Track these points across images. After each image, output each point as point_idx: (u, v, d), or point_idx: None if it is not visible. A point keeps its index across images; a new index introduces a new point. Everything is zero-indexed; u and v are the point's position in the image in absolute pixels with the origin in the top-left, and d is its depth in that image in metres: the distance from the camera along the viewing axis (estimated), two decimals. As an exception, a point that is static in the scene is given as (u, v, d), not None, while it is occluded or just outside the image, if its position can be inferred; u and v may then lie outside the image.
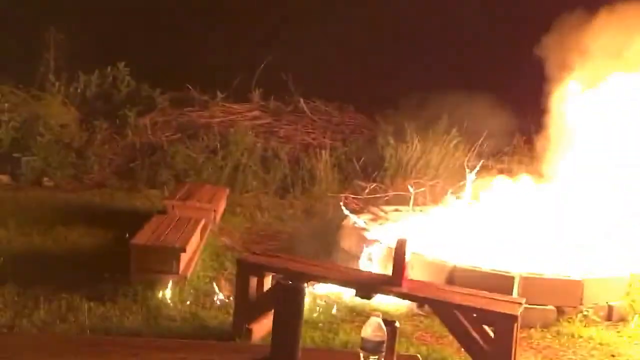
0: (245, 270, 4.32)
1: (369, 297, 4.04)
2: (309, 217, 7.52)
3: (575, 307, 4.93)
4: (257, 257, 4.45)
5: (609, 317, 4.93)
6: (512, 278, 4.95)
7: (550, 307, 4.89)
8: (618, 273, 5.17)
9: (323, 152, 8.77)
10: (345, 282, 4.11)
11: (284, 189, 8.36)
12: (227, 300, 4.92)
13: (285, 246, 6.37)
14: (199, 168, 8.36)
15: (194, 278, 5.18)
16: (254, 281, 4.35)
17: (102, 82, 9.40)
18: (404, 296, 4.00)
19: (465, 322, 3.72)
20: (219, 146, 8.65)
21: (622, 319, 4.92)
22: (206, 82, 9.79)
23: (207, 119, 9.33)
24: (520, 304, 3.76)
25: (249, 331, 4.26)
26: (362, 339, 2.04)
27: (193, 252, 5.35)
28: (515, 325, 3.63)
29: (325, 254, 5.93)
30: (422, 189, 6.90)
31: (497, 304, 3.76)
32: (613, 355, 4.42)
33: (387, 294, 4.01)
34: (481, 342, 3.69)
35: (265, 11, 10.90)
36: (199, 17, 10.68)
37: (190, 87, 9.83)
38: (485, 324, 3.75)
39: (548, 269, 5.17)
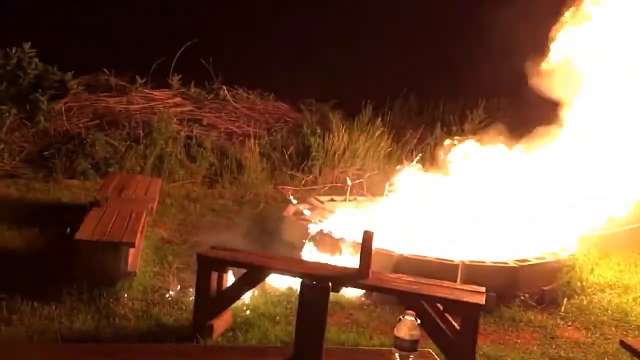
0: (206, 265, 4.20)
1: (337, 291, 4.06)
2: (241, 207, 7.41)
3: (512, 292, 5.23)
4: (218, 252, 4.33)
5: (542, 301, 5.28)
6: (456, 265, 5.18)
7: (491, 293, 5.16)
8: (549, 259, 5.55)
9: (249, 140, 8.67)
10: (312, 276, 4.11)
11: (211, 179, 8.18)
12: (176, 296, 4.77)
13: (224, 238, 6.25)
14: (120, 157, 7.97)
15: (139, 274, 4.95)
16: (214, 276, 4.24)
17: (5, 64, 8.65)
18: (372, 288, 4.07)
19: (432, 313, 3.85)
20: (141, 134, 8.28)
21: (554, 303, 5.29)
22: (122, 66, 9.31)
23: (125, 105, 8.89)
24: (482, 293, 3.94)
25: (211, 328, 4.16)
26: (397, 337, 2.06)
27: (137, 247, 5.11)
28: (480, 314, 3.81)
29: (266, 245, 5.89)
30: (360, 180, 7.00)
31: (462, 293, 3.93)
32: (552, 337, 4.75)
33: (355, 287, 4.06)
34: (447, 331, 3.84)
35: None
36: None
37: (105, 71, 9.30)
38: (450, 314, 3.90)
39: (486, 256, 5.46)
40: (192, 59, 10.10)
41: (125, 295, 4.58)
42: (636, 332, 4.94)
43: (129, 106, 8.84)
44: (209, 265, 4.20)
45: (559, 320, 5.04)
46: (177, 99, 9.36)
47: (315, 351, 2.24)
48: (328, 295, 2.26)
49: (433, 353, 2.41)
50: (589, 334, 4.85)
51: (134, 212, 5.33)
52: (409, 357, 2.06)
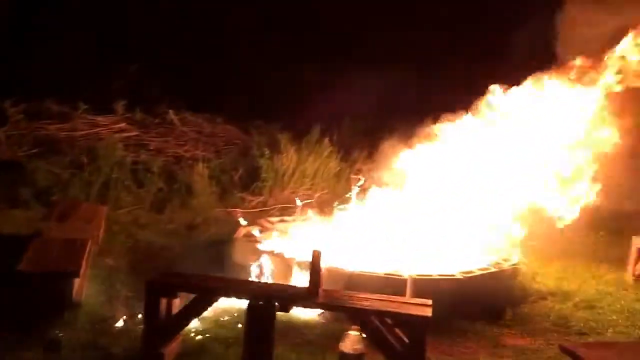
0: (155, 291, 4.16)
1: (286, 310, 4.09)
2: (191, 231, 7.36)
3: (460, 304, 5.36)
4: (166, 277, 4.31)
5: (488, 311, 5.43)
6: (405, 280, 5.29)
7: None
8: (493, 270, 5.73)
9: (197, 164, 8.64)
10: (261, 297, 4.12)
11: (160, 204, 8.10)
12: (125, 325, 4.71)
13: (174, 263, 6.20)
14: (64, 185, 7.82)
15: (86, 304, 4.87)
16: (163, 302, 4.21)
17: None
18: (322, 306, 4.12)
19: (382, 327, 3.93)
20: (85, 161, 8.15)
21: (500, 312, 5.45)
22: (64, 92, 9.17)
23: (68, 132, 8.75)
24: (429, 306, 4.04)
25: (161, 356, 4.12)
26: (342, 353, 2.11)
27: (82, 276, 5.02)
28: (427, 326, 3.91)
29: (218, 269, 5.88)
30: (310, 200, 7.07)
31: (410, 307, 4.02)
32: (498, 346, 4.90)
33: (305, 306, 4.10)
34: (397, 345, 3.92)
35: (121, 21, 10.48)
36: (53, 21, 10.00)
37: (46, 99, 9.12)
38: (399, 327, 3.99)
39: (434, 270, 5.60)
40: (137, 84, 10.08)
41: (72, 326, 4.48)
42: (577, 337, 5.14)
43: (72, 133, 8.70)
44: (158, 291, 4.17)
45: (504, 329, 5.20)
46: (122, 124, 9.27)
47: (263, 371, 2.28)
48: (274, 314, 2.30)
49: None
50: (533, 341, 5.02)
51: (79, 240, 5.25)
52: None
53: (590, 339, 5.06)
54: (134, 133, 9.24)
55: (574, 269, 6.81)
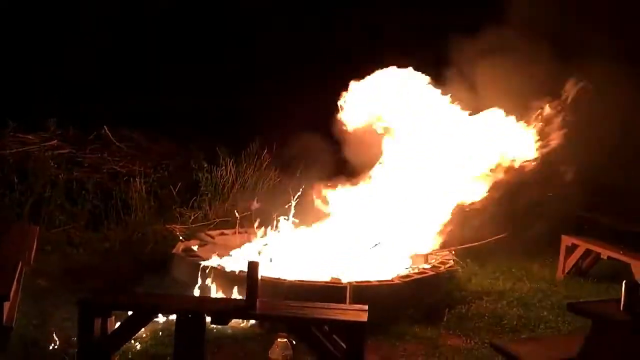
0: (89, 311, 4.06)
1: (225, 323, 4.08)
2: (129, 248, 7.21)
3: (399, 308, 5.48)
4: (99, 296, 4.21)
5: (426, 314, 5.56)
6: (344, 287, 5.36)
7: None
8: (430, 274, 5.87)
9: (134, 180, 8.48)
10: (201, 311, 4.09)
11: (96, 222, 7.90)
12: (60, 348, 4.57)
13: (111, 282, 6.07)
14: (-7, 205, 7.53)
15: (18, 327, 4.69)
16: (98, 322, 4.12)
17: None
18: (259, 317, 4.12)
19: (319, 335, 3.97)
20: (16, 180, 7.87)
21: (438, 314, 5.59)
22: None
23: (-3, 150, 8.44)
24: (365, 311, 4.11)
25: (97, 377, 4.03)
26: (270, 360, 2.12)
27: (13, 299, 4.84)
28: (365, 331, 3.97)
29: (157, 285, 5.79)
30: (250, 213, 7.05)
31: (346, 313, 4.07)
32: (436, 347, 5.01)
33: (243, 318, 4.09)
34: (335, 352, 3.96)
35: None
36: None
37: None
38: (337, 334, 4.04)
39: (372, 276, 5.70)
40: (70, 101, 9.83)
41: (3, 351, 4.32)
42: (510, 334, 5.33)
43: (0, 152, 8.39)
44: (91, 310, 4.07)
45: (441, 330, 5.33)
46: (54, 142, 9.01)
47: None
48: (203, 328, 2.31)
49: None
50: (468, 340, 5.17)
51: (9, 262, 5.06)
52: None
53: (523, 336, 5.26)
54: (67, 150, 8.99)
55: (508, 269, 7.06)
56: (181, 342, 2.19)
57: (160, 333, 4.80)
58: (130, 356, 4.46)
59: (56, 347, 4.57)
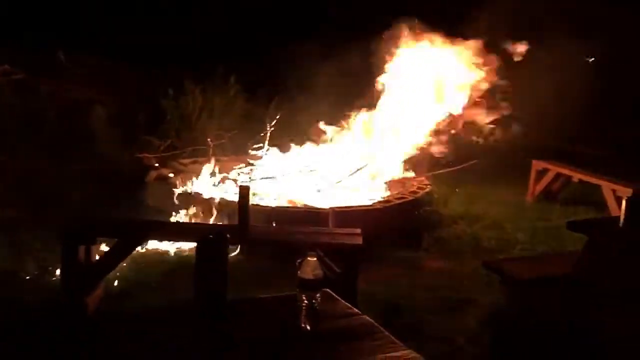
0: (73, 239, 3.92)
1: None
2: (97, 177, 6.97)
3: (380, 232, 5.51)
4: (84, 223, 4.06)
5: (406, 238, 5.62)
6: (327, 213, 5.34)
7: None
8: (409, 199, 5.90)
9: (96, 108, 8.12)
10: (192, 237, 4.00)
11: (61, 150, 7.57)
12: (37, 277, 4.45)
13: (83, 210, 5.89)
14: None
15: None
16: (82, 250, 3.99)
17: None
18: (254, 242, 4.06)
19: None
20: (-31, 109, 7.43)
21: (417, 238, 5.66)
22: None
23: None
24: (359, 234, 4.10)
25: (84, 305, 3.92)
26: (301, 279, 2.07)
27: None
28: (360, 254, 3.98)
29: (132, 213, 5.64)
30: (222, 141, 6.88)
31: (341, 237, 4.06)
32: (418, 269, 5.11)
33: (238, 243, 4.03)
34: (330, 274, 3.96)
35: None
36: None
37: None
38: (330, 257, 4.03)
39: (353, 202, 5.69)
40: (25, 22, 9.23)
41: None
42: (487, 255, 5.45)
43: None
44: (75, 238, 3.93)
45: (422, 253, 5.43)
46: (5, 66, 8.47)
47: (221, 304, 2.20)
48: (227, 246, 2.23)
49: (331, 292, 2.46)
50: (449, 262, 5.28)
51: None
52: (315, 297, 2.09)
53: (501, 257, 5.39)
54: (20, 76, 8.48)
55: (480, 194, 7.18)
56: (205, 262, 2.12)
57: (141, 262, 4.73)
58: (114, 284, 4.37)
59: (34, 276, 4.43)
